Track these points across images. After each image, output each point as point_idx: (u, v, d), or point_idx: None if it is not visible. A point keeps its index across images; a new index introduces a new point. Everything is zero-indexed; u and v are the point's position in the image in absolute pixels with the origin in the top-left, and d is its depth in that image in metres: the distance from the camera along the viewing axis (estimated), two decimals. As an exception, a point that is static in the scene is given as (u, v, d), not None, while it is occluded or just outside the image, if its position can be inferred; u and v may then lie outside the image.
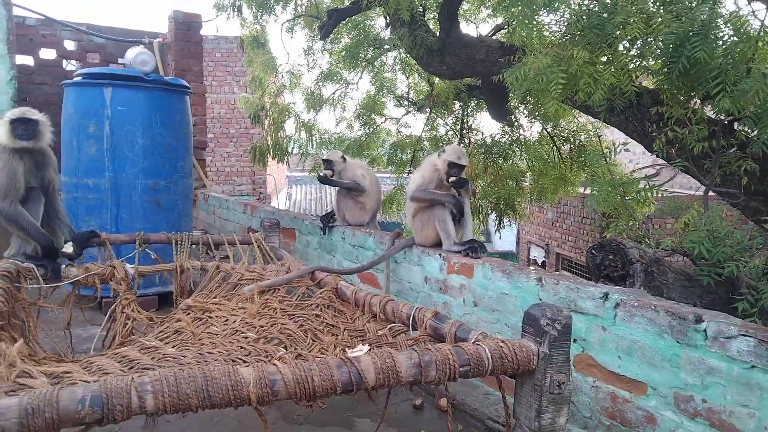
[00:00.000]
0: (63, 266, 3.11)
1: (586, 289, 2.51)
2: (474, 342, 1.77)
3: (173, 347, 2.26)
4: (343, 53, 7.69)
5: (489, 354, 1.70)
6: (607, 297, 2.41)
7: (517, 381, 1.80)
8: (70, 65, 8.80)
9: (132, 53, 4.98)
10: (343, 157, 4.52)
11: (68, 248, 3.30)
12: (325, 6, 7.26)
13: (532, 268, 3.06)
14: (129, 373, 1.87)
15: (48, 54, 8.69)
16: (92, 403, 1.37)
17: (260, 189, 14.45)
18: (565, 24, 4.15)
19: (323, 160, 4.58)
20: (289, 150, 8.81)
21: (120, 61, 5.52)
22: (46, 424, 1.33)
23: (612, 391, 2.39)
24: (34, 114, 3.13)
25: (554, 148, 7.66)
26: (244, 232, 6.02)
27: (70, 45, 8.80)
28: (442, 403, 2.84)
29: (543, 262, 13.24)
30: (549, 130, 7.67)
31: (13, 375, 1.83)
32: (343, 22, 7.13)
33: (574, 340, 2.52)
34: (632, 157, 12.84)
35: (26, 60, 8.41)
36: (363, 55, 7.78)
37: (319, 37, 7.15)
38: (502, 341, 1.75)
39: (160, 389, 1.41)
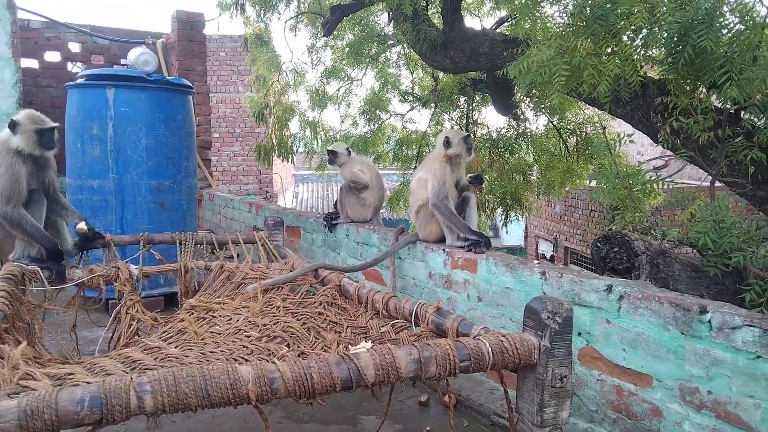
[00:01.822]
0: (68, 268, 3.12)
1: (590, 281, 2.49)
2: (475, 337, 1.75)
3: (176, 347, 2.27)
4: (347, 50, 7.67)
5: (489, 348, 1.68)
6: (611, 289, 2.38)
7: (519, 375, 1.78)
8: (74, 67, 8.84)
9: (134, 54, 4.99)
10: (348, 150, 4.53)
11: (84, 225, 3.33)
12: (328, 2, 7.25)
13: (536, 261, 3.04)
14: (130, 374, 1.87)
15: (52, 56, 8.72)
16: (91, 403, 1.37)
17: (266, 188, 14.48)
18: (569, 15, 4.11)
19: (328, 150, 4.58)
20: (295, 148, 8.82)
21: (123, 61, 5.53)
22: (45, 426, 1.34)
23: (617, 384, 2.37)
24: (52, 122, 3.18)
25: (560, 140, 7.61)
26: (250, 231, 6.03)
27: (74, 47, 8.83)
28: (446, 399, 2.83)
29: (552, 256, 13.17)
30: (555, 122, 7.62)
31: (16, 377, 1.84)
32: (347, 19, 7.11)
33: (579, 334, 2.50)
34: (640, 149, 12.75)
35: (31, 63, 8.44)
36: (367, 51, 7.76)
37: (322, 34, 7.14)
38: (503, 335, 1.74)
39: (159, 389, 1.41)
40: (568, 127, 7.62)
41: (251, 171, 14.34)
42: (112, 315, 2.99)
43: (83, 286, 3.09)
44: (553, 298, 1.79)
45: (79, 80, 4.77)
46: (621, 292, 2.34)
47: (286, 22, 7.62)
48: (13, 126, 3.03)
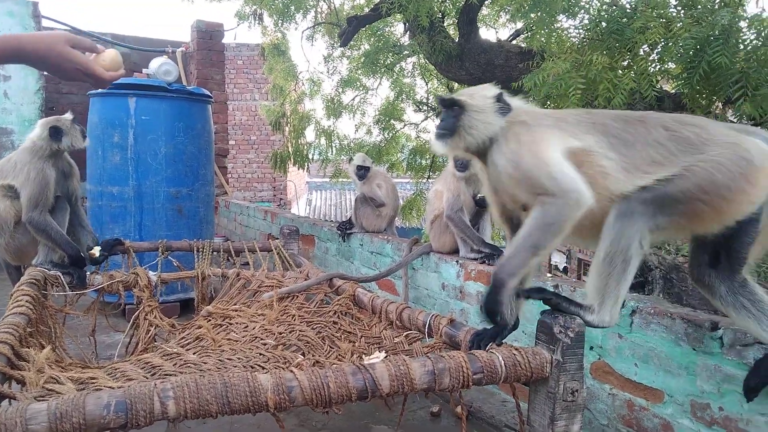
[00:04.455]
0: (88, 274, 3.19)
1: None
2: (488, 349, 1.79)
3: (194, 354, 2.32)
4: (363, 59, 7.75)
5: (502, 361, 1.72)
6: (624, 304, 2.40)
7: (531, 388, 1.81)
8: (96, 75, 9.00)
9: (155, 63, 5.10)
10: (372, 162, 4.60)
11: (96, 251, 3.40)
12: (344, 13, 7.34)
13: (548, 274, 3.06)
14: (151, 380, 1.93)
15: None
16: (117, 408, 1.42)
17: (281, 195, 14.59)
18: (584, 29, 4.15)
19: (359, 166, 4.58)
20: (310, 156, 8.91)
21: (144, 71, 5.65)
22: (74, 429, 1.39)
23: (629, 399, 2.39)
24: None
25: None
26: (265, 239, 6.10)
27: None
28: (458, 411, 2.85)
29: (565, 267, 13.13)
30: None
31: (42, 381, 1.90)
32: (363, 29, 7.19)
33: (591, 348, 2.52)
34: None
35: (54, 70, 8.62)
36: (382, 61, 7.83)
37: (339, 44, 7.22)
38: (516, 349, 1.77)
39: (182, 395, 1.46)
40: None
41: (266, 178, 14.46)
42: (131, 320, 3.05)
43: (103, 291, 3.15)
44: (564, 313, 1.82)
45: (101, 89, 4.87)
46: (633, 307, 2.36)
47: (303, 32, 7.73)
48: (57, 132, 3.13)
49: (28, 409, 1.38)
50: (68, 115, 3.27)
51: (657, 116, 1.87)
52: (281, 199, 14.55)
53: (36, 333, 2.43)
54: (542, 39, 4.49)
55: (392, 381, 1.61)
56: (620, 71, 3.68)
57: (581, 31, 4.22)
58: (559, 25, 4.44)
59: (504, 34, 8.72)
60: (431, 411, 3.10)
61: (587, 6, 4.08)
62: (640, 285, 2.97)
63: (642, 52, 3.84)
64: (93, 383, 1.97)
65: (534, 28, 4.55)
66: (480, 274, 3.29)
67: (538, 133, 1.81)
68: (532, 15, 4.37)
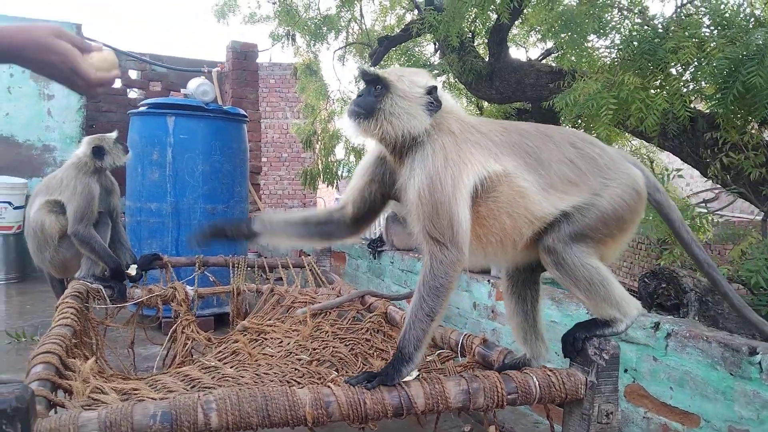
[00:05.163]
0: (128, 287, 3.29)
1: (637, 318, 2.49)
2: (522, 370, 1.80)
3: (231, 367, 2.38)
4: (393, 79, 7.83)
5: (536, 382, 1.73)
6: (659, 327, 2.39)
7: (565, 410, 1.82)
8: (131, 92, 9.30)
9: (193, 84, 5.26)
10: None
11: (132, 270, 3.50)
12: (375, 34, 7.46)
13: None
14: (191, 392, 1.99)
15: (114, 83, 9.20)
16: (162, 418, 1.47)
17: (311, 211, 14.72)
18: (616, 49, 4.16)
19: None
20: (339, 173, 9.01)
21: (182, 91, 5.83)
22: (121, 438, 1.45)
23: (664, 423, 2.36)
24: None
25: (606, 171, 7.54)
26: (296, 255, 6.17)
27: (134, 74, 9.31)
28: (491, 430, 2.85)
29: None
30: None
31: (88, 390, 1.97)
32: (393, 49, 7.29)
33: (625, 370, 2.50)
34: (689, 180, 12.42)
35: (94, 89, 8.92)
36: (412, 81, 7.90)
37: (369, 64, 7.34)
38: (550, 370, 1.78)
39: (224, 407, 1.51)
40: (614, 158, 7.56)
41: (296, 195, 14.62)
42: (169, 333, 3.13)
43: (142, 304, 3.25)
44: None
45: (142, 108, 5.06)
46: (668, 330, 2.34)
47: (334, 53, 7.87)
48: (100, 151, 3.26)
49: (80, 417, 1.45)
50: (112, 134, 3.41)
51: (560, 131, 1.92)
52: (311, 215, 14.66)
53: (80, 344, 2.52)
54: (573, 59, 4.50)
55: (427, 399, 1.64)
56: (653, 91, 3.68)
57: (613, 51, 4.23)
58: (590, 44, 4.45)
59: (534, 53, 8.74)
60: (463, 430, 3.10)
61: (618, 26, 4.10)
62: (674, 307, 2.94)
63: (675, 72, 3.83)
64: (135, 394, 2.04)
65: (565, 48, 4.58)
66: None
67: (464, 151, 1.71)
68: (563, 35, 4.39)
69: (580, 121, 5.71)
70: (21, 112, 7.50)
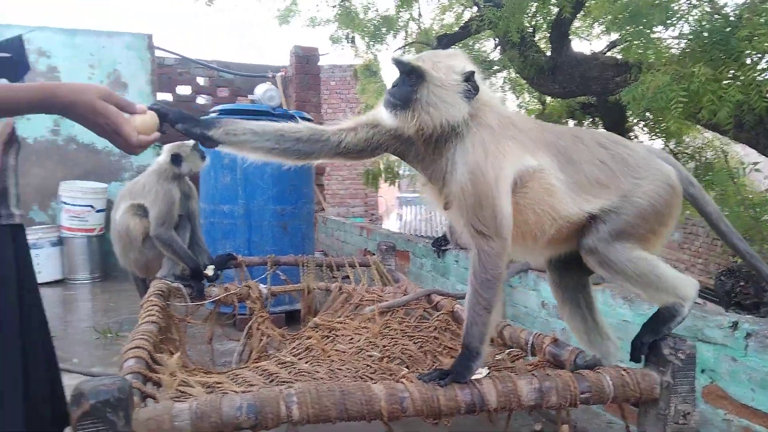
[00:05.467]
0: (205, 286, 3.46)
1: (714, 317, 2.43)
2: (595, 369, 1.80)
3: (306, 363, 2.48)
4: (453, 77, 7.83)
5: (610, 381, 1.73)
6: (737, 326, 2.31)
7: (640, 409, 1.80)
8: (201, 98, 9.69)
9: (260, 90, 5.45)
10: None
11: (209, 271, 3.67)
12: (434, 32, 7.48)
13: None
14: (271, 386, 2.09)
15: (184, 90, 9.62)
16: (248, 410, 1.57)
17: (372, 211, 14.90)
18: (685, 40, 4.02)
19: None
20: (400, 172, 9.08)
21: (249, 96, 6.04)
22: (211, 427, 1.55)
23: (746, 426, 2.29)
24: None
25: (677, 165, 7.28)
26: (361, 254, 6.29)
27: (202, 81, 9.69)
28: (563, 430, 2.84)
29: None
30: (672, 146, 7.32)
31: (175, 384, 2.11)
32: (452, 47, 7.29)
33: (702, 371, 2.44)
34: (767, 173, 11.81)
35: (166, 96, 9.36)
36: (472, 77, 7.88)
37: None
38: (624, 369, 1.78)
39: (304, 401, 1.59)
40: (686, 151, 7.28)
41: (358, 194, 14.83)
42: (245, 330, 3.27)
43: (219, 302, 3.41)
44: (674, 335, 1.81)
45: (212, 115, 5.28)
46: (748, 330, 2.27)
47: (394, 52, 7.94)
48: (177, 158, 3.45)
49: (174, 407, 1.56)
50: (190, 142, 3.59)
51: (588, 133, 1.91)
52: (373, 214, 14.85)
53: (165, 340, 2.69)
54: (639, 51, 4.38)
55: (499, 397, 1.67)
56: (725, 82, 3.54)
57: (681, 41, 4.09)
58: (656, 35, 4.31)
59: (598, 45, 8.53)
60: (533, 429, 3.09)
61: (686, 16, 3.96)
62: (754, 306, 2.84)
63: (749, 62, 3.67)
64: (219, 387, 2.16)
65: (630, 39, 4.46)
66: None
67: (503, 145, 1.70)
68: (628, 27, 4.28)
69: (648, 114, 5.55)
70: (100, 120, 7.94)
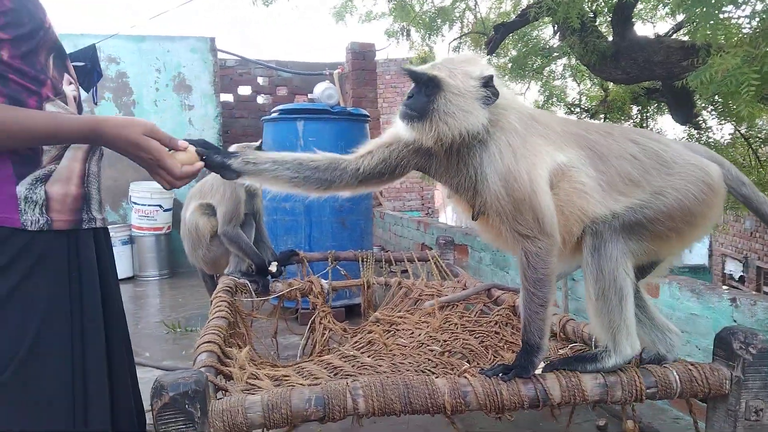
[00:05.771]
0: (270, 282, 3.58)
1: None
2: (661, 364, 1.77)
3: (369, 357, 2.53)
4: (510, 65, 7.73)
5: (677, 376, 1.70)
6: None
7: (709, 405, 1.76)
8: (260, 98, 9.95)
9: (319, 89, 5.56)
10: None
11: (273, 267, 3.80)
12: (491, 22, 7.39)
13: (725, 287, 2.88)
14: (335, 379, 2.16)
15: (244, 90, 9.89)
16: (316, 402, 1.63)
17: (428, 204, 14.89)
18: (758, 18, 3.83)
19: None
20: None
21: (309, 96, 6.18)
22: (282, 418, 1.62)
23: (826, 424, 2.18)
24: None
25: (750, 150, 6.93)
26: (418, 248, 6.32)
27: (261, 81, 9.94)
28: (628, 426, 2.80)
29: (741, 276, 11.89)
30: (743, 131, 6.97)
31: (245, 376, 2.21)
32: (510, 36, 7.18)
33: (778, 366, 2.34)
34: None
35: (227, 97, 9.66)
36: (530, 65, 7.74)
37: (486, 52, 7.29)
38: (691, 364, 1.74)
39: (370, 394, 1.64)
40: (759, 135, 6.92)
41: (414, 188, 14.85)
42: (308, 324, 3.37)
43: (283, 297, 3.52)
44: (745, 328, 1.75)
45: (274, 114, 5.44)
46: (828, 324, 2.17)
47: (450, 44, 7.89)
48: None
49: (246, 399, 1.65)
50: (255, 143, 3.71)
51: (619, 128, 1.82)
52: (429, 207, 14.84)
53: (234, 335, 2.81)
54: (707, 32, 4.19)
55: (563, 391, 1.67)
56: (803, 62, 3.36)
57: (753, 20, 3.89)
58: (726, 15, 4.12)
59: (663, 27, 8.20)
60: (597, 425, 3.06)
61: (760, -7, 3.76)
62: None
63: (830, 38, 3.47)
64: (286, 380, 2.24)
65: (697, 20, 4.27)
66: (648, 286, 3.16)
67: (532, 144, 1.64)
68: (695, 8, 4.10)
69: (717, 98, 5.31)
70: (166, 122, 8.28)
